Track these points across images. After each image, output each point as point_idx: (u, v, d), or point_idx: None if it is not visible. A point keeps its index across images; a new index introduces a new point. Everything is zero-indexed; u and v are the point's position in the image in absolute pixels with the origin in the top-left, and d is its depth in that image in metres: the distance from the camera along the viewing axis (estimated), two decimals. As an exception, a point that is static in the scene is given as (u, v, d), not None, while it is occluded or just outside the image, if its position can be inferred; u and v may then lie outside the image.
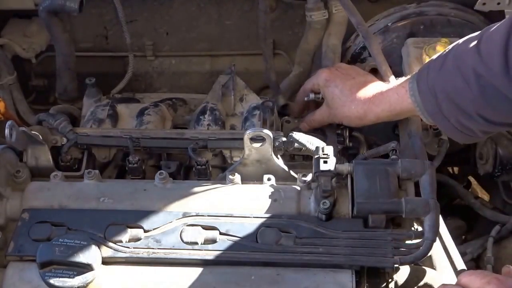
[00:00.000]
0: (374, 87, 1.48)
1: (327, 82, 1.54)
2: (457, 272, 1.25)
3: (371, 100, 1.45)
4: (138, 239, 1.24)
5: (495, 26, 1.25)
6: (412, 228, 1.28)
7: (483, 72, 1.23)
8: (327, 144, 1.39)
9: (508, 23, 1.21)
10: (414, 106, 1.37)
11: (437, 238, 1.23)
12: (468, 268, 1.27)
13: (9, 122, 1.36)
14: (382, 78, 1.51)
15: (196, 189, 1.32)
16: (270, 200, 1.30)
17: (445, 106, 1.31)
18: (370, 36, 1.55)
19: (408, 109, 1.39)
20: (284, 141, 1.45)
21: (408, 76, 1.41)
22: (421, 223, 1.27)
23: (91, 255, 1.17)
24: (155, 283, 1.20)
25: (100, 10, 1.86)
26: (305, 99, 1.59)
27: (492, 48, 1.21)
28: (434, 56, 1.38)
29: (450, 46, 1.34)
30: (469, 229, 1.98)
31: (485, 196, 2.13)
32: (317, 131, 1.62)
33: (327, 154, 1.29)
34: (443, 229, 1.29)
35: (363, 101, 1.46)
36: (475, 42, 1.26)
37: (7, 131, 1.35)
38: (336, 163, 1.29)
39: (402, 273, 1.24)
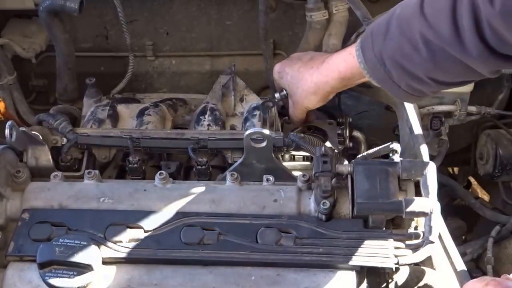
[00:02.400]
0: (319, 59, 1.47)
1: (279, 74, 1.56)
2: (457, 273, 1.25)
3: (319, 71, 1.45)
4: (138, 239, 1.24)
5: None
6: (412, 229, 1.28)
7: (432, 37, 1.20)
8: (327, 145, 1.39)
9: None
10: (364, 72, 1.35)
11: (437, 239, 1.23)
12: (468, 269, 1.27)
13: (9, 122, 1.36)
14: None
15: (196, 189, 1.32)
16: (270, 200, 1.30)
17: (394, 73, 1.29)
18: None
19: (359, 73, 1.37)
20: (284, 141, 1.45)
21: (355, 43, 1.38)
22: (421, 224, 1.28)
23: (91, 255, 1.17)
24: (155, 283, 1.20)
25: (100, 10, 1.86)
26: (275, 101, 1.60)
27: (439, 12, 1.18)
28: (374, 22, 1.36)
29: (391, 11, 1.30)
30: (469, 229, 1.99)
31: (485, 197, 2.14)
32: (317, 131, 1.63)
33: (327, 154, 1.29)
34: (443, 229, 1.29)
35: (310, 74, 1.46)
36: (417, 6, 1.22)
37: (7, 131, 1.35)
38: (336, 163, 1.29)
39: (402, 274, 1.24)
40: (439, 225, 1.24)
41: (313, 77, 1.46)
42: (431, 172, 1.28)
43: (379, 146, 1.36)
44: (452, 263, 1.27)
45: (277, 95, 1.59)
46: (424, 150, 1.40)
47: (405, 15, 1.25)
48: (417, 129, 1.47)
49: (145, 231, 1.25)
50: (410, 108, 1.52)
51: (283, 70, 1.56)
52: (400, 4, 1.29)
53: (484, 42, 1.13)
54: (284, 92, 1.58)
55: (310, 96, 1.49)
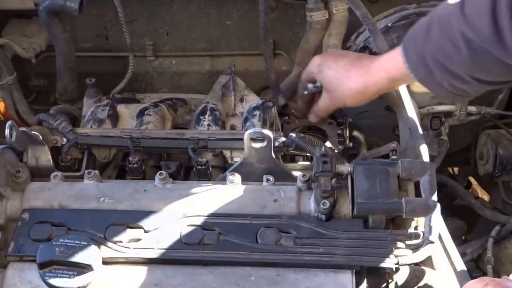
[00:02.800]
0: (369, 59, 1.47)
1: (320, 67, 1.53)
2: (457, 273, 1.25)
3: (369, 71, 1.44)
4: (138, 239, 1.24)
5: None
6: (412, 229, 1.28)
7: (472, 36, 1.20)
8: (327, 145, 1.39)
9: None
10: (409, 72, 1.35)
11: (437, 239, 1.23)
12: (468, 269, 1.27)
13: (9, 122, 1.36)
14: None
15: (196, 189, 1.32)
16: (270, 200, 1.30)
17: (437, 72, 1.29)
18: (376, 30, 1.54)
19: (406, 74, 1.37)
20: (284, 141, 1.45)
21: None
22: (421, 224, 1.28)
23: (91, 255, 1.17)
24: (155, 283, 1.20)
25: (100, 10, 1.86)
26: (305, 92, 1.57)
27: (479, 11, 1.18)
28: (417, 22, 1.35)
29: (433, 11, 1.31)
30: (469, 229, 1.98)
31: (485, 197, 2.14)
32: (317, 131, 1.63)
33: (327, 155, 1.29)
34: (443, 229, 1.29)
35: (360, 74, 1.45)
36: (458, 5, 1.22)
37: (7, 131, 1.35)
38: (336, 163, 1.29)
39: (402, 274, 1.24)
40: (439, 225, 1.24)
41: (362, 77, 1.45)
42: (431, 172, 1.28)
43: (379, 146, 1.36)
44: (452, 263, 1.27)
45: (310, 85, 1.55)
46: (424, 150, 1.40)
47: (445, 14, 1.26)
48: (417, 129, 1.47)
49: (145, 231, 1.25)
50: (410, 108, 1.51)
51: (325, 63, 1.52)
52: (442, 3, 1.29)
53: None
54: (318, 84, 1.54)
55: (355, 95, 1.48)
